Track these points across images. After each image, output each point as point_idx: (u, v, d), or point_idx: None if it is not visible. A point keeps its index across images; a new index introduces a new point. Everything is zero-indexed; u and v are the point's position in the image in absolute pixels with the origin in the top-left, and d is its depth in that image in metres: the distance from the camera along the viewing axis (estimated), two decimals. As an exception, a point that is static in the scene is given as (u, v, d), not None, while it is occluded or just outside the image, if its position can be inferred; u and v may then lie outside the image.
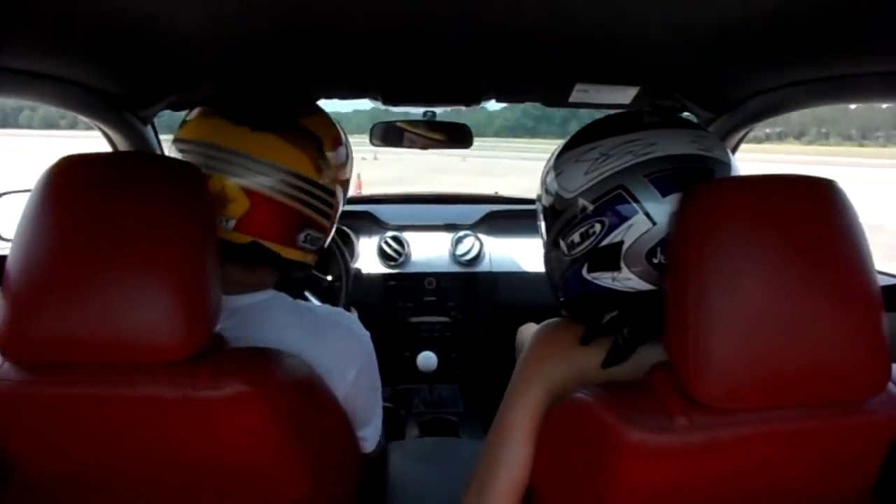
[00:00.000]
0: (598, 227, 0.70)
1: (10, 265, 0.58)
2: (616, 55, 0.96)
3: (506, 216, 2.04)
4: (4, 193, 1.37)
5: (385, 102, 1.31)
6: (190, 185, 0.62)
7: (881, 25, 0.70)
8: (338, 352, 0.79)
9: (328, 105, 0.94)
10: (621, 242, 0.68)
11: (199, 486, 0.66)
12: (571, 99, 1.23)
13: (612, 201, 0.69)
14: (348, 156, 0.85)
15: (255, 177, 0.73)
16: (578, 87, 1.15)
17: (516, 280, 1.91)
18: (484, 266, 1.92)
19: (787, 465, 0.61)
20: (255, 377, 0.62)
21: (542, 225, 0.82)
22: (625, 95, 1.20)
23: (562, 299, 0.80)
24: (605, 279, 0.71)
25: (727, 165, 0.70)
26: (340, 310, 0.87)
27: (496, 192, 2.42)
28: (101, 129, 1.24)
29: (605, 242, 0.69)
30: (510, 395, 0.77)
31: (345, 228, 1.89)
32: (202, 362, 0.61)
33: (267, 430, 0.63)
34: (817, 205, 0.56)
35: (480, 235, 1.94)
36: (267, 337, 0.72)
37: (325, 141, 0.79)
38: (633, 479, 0.59)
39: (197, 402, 0.60)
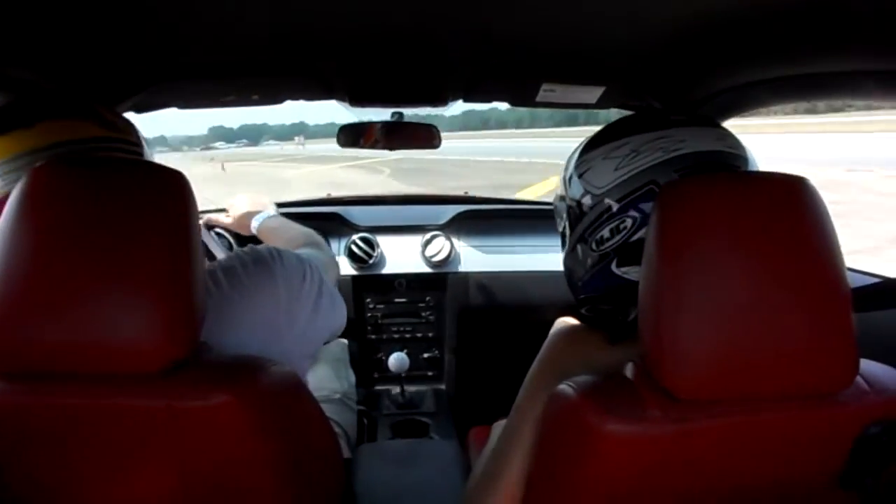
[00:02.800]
0: (629, 221, 0.71)
1: None
2: (582, 55, 0.97)
3: (476, 216, 2.04)
4: None
5: (351, 104, 1.30)
6: (173, 191, 0.61)
7: (847, 24, 0.72)
8: (255, 286, 0.78)
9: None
10: None
11: (182, 496, 0.66)
12: (538, 98, 1.23)
13: (643, 196, 0.70)
14: (134, 129, 0.84)
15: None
16: (545, 86, 1.16)
17: (487, 280, 1.91)
18: (454, 266, 1.92)
19: (757, 455, 0.62)
20: (239, 386, 0.61)
21: (565, 224, 0.83)
22: (591, 95, 1.21)
23: (583, 296, 0.81)
24: (634, 273, 0.72)
25: (748, 161, 0.72)
26: (249, 246, 0.85)
27: (466, 193, 2.43)
28: None
29: (636, 237, 0.71)
30: (525, 388, 0.79)
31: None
32: (186, 371, 0.60)
33: (250, 440, 0.62)
34: (788, 202, 0.57)
35: (451, 236, 1.94)
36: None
37: (98, 108, 0.78)
38: (608, 468, 0.60)
39: (180, 412, 0.60)
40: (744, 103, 1.13)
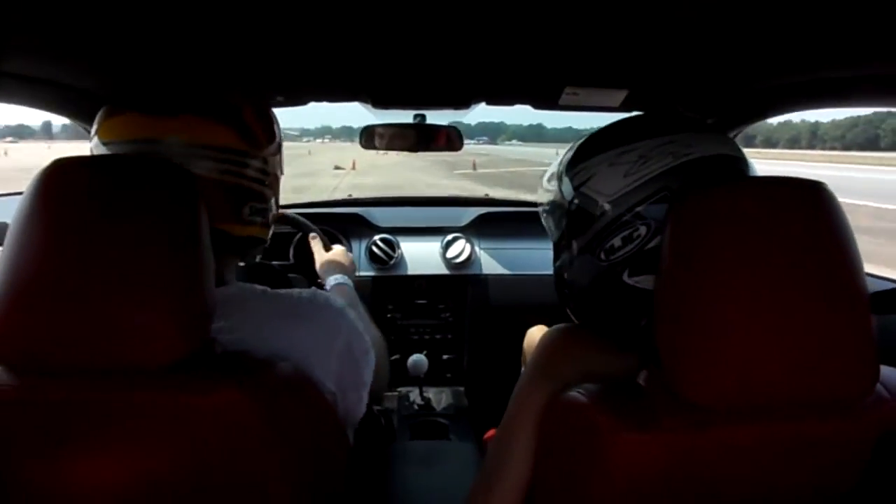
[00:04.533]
0: (643, 230, 0.68)
1: (1, 269, 0.58)
2: (606, 59, 0.96)
3: (497, 219, 2.04)
4: None
5: (374, 106, 1.31)
6: (182, 189, 0.62)
7: (870, 30, 0.71)
8: (319, 329, 0.79)
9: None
10: None
11: (189, 489, 0.66)
12: (561, 102, 1.23)
13: (657, 203, 0.67)
14: (273, 121, 0.86)
15: (187, 161, 0.73)
16: (568, 89, 1.16)
17: (507, 282, 1.91)
18: (475, 269, 1.93)
19: (774, 464, 0.61)
20: (248, 382, 0.61)
21: (561, 232, 0.79)
22: (614, 98, 1.20)
23: (581, 304, 0.79)
24: (647, 282, 0.69)
25: (748, 166, 0.71)
26: (313, 289, 0.86)
27: (486, 195, 2.43)
28: (88, 132, 1.23)
29: (651, 245, 0.68)
30: (518, 396, 0.76)
31: (335, 232, 1.89)
32: (195, 366, 0.60)
33: (257, 435, 0.62)
34: (806, 207, 0.57)
35: (471, 238, 1.94)
36: (247, 329, 0.72)
37: (244, 110, 0.79)
38: (621, 476, 0.59)
39: (189, 406, 0.60)
40: (768, 108, 1.12)
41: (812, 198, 0.57)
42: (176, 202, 0.61)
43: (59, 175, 0.60)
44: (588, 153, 0.74)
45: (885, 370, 0.61)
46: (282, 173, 0.90)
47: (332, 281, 1.32)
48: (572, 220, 0.75)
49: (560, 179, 0.78)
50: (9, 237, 0.58)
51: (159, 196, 0.60)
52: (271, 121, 0.85)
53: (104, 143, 0.75)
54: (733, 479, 0.62)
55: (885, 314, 0.62)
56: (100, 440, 0.63)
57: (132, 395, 0.60)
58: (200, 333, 0.60)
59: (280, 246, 1.80)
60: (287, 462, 0.66)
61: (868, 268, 0.61)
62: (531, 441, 0.72)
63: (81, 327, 0.56)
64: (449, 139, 1.60)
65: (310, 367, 0.74)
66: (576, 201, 0.74)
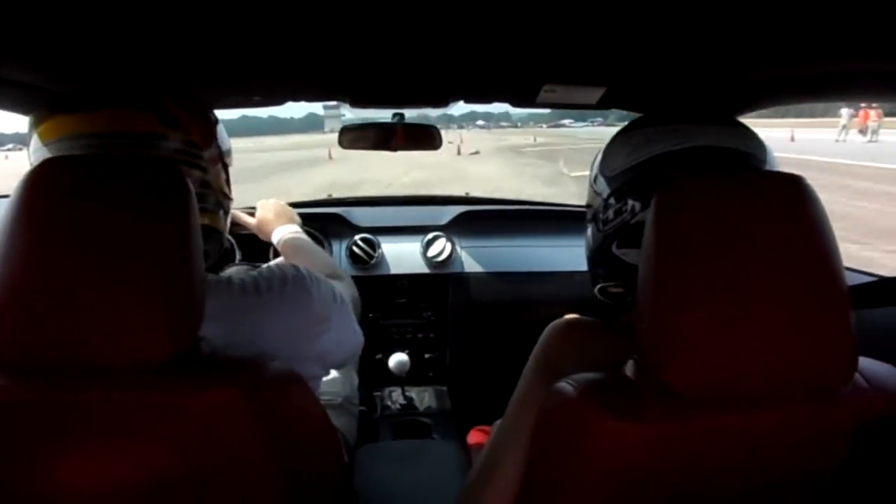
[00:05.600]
0: (629, 204, 0.74)
1: None
2: (583, 56, 0.97)
3: (477, 217, 2.05)
4: None
5: (352, 105, 1.30)
6: (171, 186, 0.61)
7: (866, 24, 0.71)
8: (283, 300, 0.80)
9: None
10: None
11: (179, 488, 0.66)
12: (539, 99, 1.23)
13: (644, 183, 0.73)
14: (200, 104, 0.85)
15: (115, 151, 0.73)
16: (546, 87, 1.16)
17: (488, 280, 1.92)
18: (456, 267, 1.93)
19: (756, 452, 0.62)
20: (240, 381, 0.61)
21: (590, 208, 0.86)
22: (592, 95, 1.21)
23: (594, 277, 0.84)
24: (631, 255, 0.75)
25: (761, 160, 0.73)
26: (277, 262, 0.87)
27: (467, 193, 2.43)
28: None
29: (634, 220, 0.73)
30: (519, 388, 0.80)
31: (314, 231, 1.87)
32: (186, 365, 0.60)
33: (249, 434, 0.62)
34: (785, 199, 0.58)
35: (452, 237, 1.94)
36: (215, 318, 0.71)
37: (163, 96, 0.79)
38: (606, 465, 0.60)
39: (180, 405, 0.60)
40: (744, 104, 1.13)
41: (792, 192, 0.59)
42: (165, 201, 0.60)
43: (46, 175, 0.59)
44: (615, 137, 0.81)
45: (864, 361, 0.62)
46: (228, 160, 0.90)
47: (278, 235, 1.30)
48: (591, 196, 0.83)
49: (595, 159, 0.84)
50: None
51: (148, 195, 0.60)
52: (195, 104, 0.84)
53: (47, 145, 0.75)
54: (716, 467, 0.63)
55: (863, 308, 0.63)
56: (90, 440, 0.63)
57: (122, 395, 0.60)
58: (190, 333, 0.60)
59: (258, 247, 1.78)
60: (278, 460, 0.66)
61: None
62: (529, 434, 0.72)
63: (70, 327, 0.56)
64: (429, 137, 1.59)
65: (295, 350, 0.77)
66: (595, 179, 0.82)
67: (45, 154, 0.74)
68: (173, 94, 0.81)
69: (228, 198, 0.91)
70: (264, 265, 0.88)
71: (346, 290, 1.02)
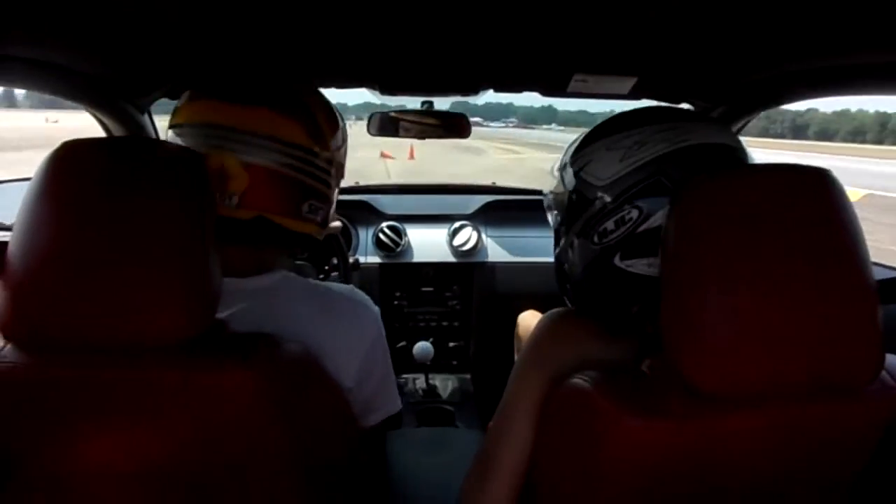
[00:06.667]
0: (634, 213, 0.70)
1: (12, 249, 0.58)
2: (615, 46, 0.96)
3: (503, 206, 2.04)
4: (3, 182, 1.38)
5: (382, 92, 1.30)
6: (189, 170, 0.62)
7: (878, 17, 0.70)
8: (350, 326, 0.81)
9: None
10: (660, 227, 0.67)
11: (193, 466, 0.67)
12: (570, 89, 1.22)
13: (650, 187, 0.69)
14: (341, 125, 0.86)
15: (252, 150, 0.74)
16: (577, 76, 1.15)
17: (513, 270, 1.91)
18: (481, 256, 1.93)
19: (780, 450, 0.62)
20: (255, 360, 0.62)
21: (559, 217, 0.82)
22: (623, 85, 1.20)
23: (576, 290, 0.80)
24: (640, 266, 0.71)
25: (746, 155, 0.71)
26: (352, 286, 0.88)
27: (493, 183, 2.43)
28: (96, 118, 1.23)
29: (642, 228, 0.70)
30: (514, 381, 0.77)
31: (342, 219, 1.89)
32: (203, 345, 0.61)
33: (263, 413, 0.63)
34: (812, 194, 0.57)
35: (478, 226, 1.94)
36: (280, 317, 0.73)
37: (317, 111, 0.80)
38: (626, 463, 0.60)
39: (196, 384, 0.61)
40: (777, 96, 1.11)
41: (818, 185, 0.57)
42: (183, 185, 0.61)
43: (69, 157, 0.60)
44: (589, 141, 0.76)
45: (891, 358, 0.61)
46: (342, 175, 0.89)
47: None
48: (571, 206, 0.77)
49: (564, 169, 0.79)
50: (19, 217, 0.59)
51: (167, 178, 0.60)
52: (336, 117, 0.85)
53: (173, 126, 0.77)
54: (738, 464, 0.62)
55: (891, 303, 0.61)
56: (108, 418, 0.64)
57: (141, 373, 0.61)
58: (206, 313, 0.61)
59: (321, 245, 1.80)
60: (293, 441, 0.67)
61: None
62: (529, 427, 0.72)
63: (90, 305, 0.57)
64: (459, 126, 1.59)
65: (333, 362, 0.75)
66: (571, 188, 0.76)
67: (174, 136, 0.76)
68: (319, 101, 0.82)
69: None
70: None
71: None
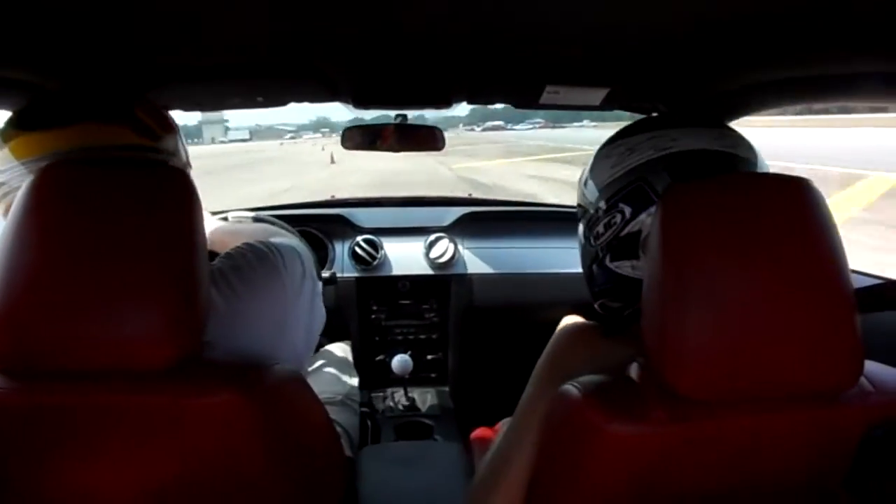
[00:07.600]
0: (618, 217, 0.73)
1: None
2: (586, 57, 0.97)
3: (480, 218, 2.04)
4: None
5: (355, 106, 1.30)
6: (178, 191, 0.62)
7: (852, 26, 0.71)
8: (269, 286, 0.81)
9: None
10: (640, 231, 0.71)
11: (183, 491, 0.66)
12: (542, 100, 1.23)
13: (633, 192, 0.72)
14: (166, 112, 0.84)
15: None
16: (549, 88, 1.16)
17: (491, 282, 1.91)
18: (458, 268, 1.92)
19: (761, 456, 0.62)
20: (243, 384, 0.61)
21: (580, 223, 0.84)
22: (595, 96, 1.21)
23: (594, 293, 0.83)
24: (625, 268, 0.74)
25: (751, 163, 0.72)
26: (243, 247, 0.85)
27: (470, 195, 2.44)
28: None
29: (625, 231, 0.72)
30: (528, 394, 0.79)
31: (317, 233, 1.87)
32: (190, 369, 0.60)
33: (252, 437, 0.63)
34: (792, 202, 0.58)
35: (455, 238, 1.94)
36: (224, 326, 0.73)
37: (135, 107, 0.78)
38: (611, 468, 0.60)
39: (185, 408, 0.60)
40: (748, 105, 1.13)
41: (797, 194, 0.58)
42: (172, 205, 0.60)
43: (52, 180, 0.59)
44: (600, 149, 0.80)
45: (869, 364, 0.62)
46: (189, 165, 0.88)
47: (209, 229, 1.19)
48: (581, 211, 0.82)
49: (583, 173, 0.83)
50: (3, 240, 0.58)
51: (155, 199, 0.60)
52: (162, 112, 0.83)
53: (23, 163, 0.73)
54: (722, 470, 0.63)
55: (869, 311, 0.62)
56: (97, 443, 0.63)
57: (128, 399, 0.60)
58: (193, 337, 0.60)
59: None
60: (281, 462, 0.66)
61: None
62: (536, 436, 0.72)
63: (76, 331, 0.56)
64: (432, 138, 1.59)
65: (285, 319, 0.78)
66: (583, 193, 0.81)
67: (22, 171, 0.72)
68: (142, 104, 0.80)
69: None
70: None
71: (307, 249, 0.99)
